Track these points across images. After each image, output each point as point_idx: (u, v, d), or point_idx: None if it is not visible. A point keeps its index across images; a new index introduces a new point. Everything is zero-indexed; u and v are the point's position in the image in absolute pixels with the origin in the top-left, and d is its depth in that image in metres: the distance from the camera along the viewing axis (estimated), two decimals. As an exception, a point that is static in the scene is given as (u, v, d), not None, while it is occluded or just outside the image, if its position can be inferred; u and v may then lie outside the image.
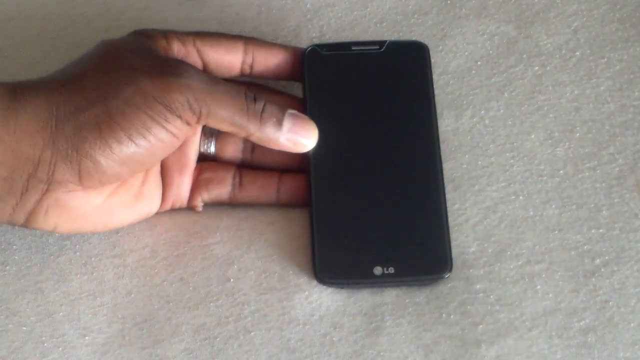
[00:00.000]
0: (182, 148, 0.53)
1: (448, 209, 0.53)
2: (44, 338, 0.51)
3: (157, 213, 0.53)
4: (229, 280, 0.52)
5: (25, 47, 0.59)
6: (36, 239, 0.53)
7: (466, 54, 0.58)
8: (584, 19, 0.58)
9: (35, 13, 0.61)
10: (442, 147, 0.54)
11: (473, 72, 0.57)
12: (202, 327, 0.51)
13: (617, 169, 0.54)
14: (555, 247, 0.52)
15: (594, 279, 0.51)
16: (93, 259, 0.53)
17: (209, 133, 0.54)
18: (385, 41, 0.55)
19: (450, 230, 0.52)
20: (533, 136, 0.55)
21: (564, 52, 0.57)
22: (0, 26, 0.60)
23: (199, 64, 0.52)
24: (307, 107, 0.53)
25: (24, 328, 0.51)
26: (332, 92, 0.54)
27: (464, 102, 0.56)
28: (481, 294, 0.51)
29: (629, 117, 0.56)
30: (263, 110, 0.50)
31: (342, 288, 0.52)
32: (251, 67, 0.54)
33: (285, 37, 0.59)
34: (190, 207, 0.54)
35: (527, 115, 0.56)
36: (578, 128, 0.55)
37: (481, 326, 0.50)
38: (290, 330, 0.51)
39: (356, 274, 0.51)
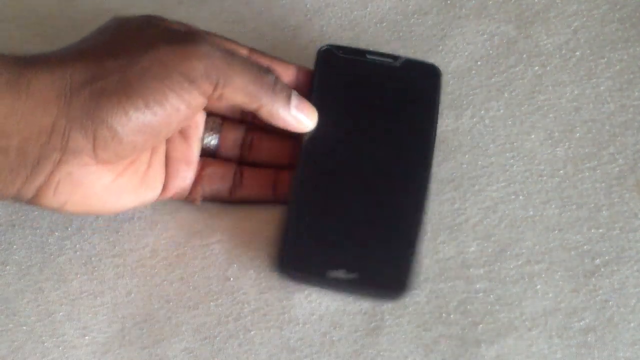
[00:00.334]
0: (187, 141, 0.53)
1: (448, 208, 0.53)
2: (44, 338, 0.51)
3: (157, 201, 0.53)
4: (229, 279, 0.52)
5: (25, 47, 0.59)
6: (36, 238, 0.53)
7: (466, 54, 0.58)
8: (584, 19, 0.58)
9: (35, 13, 0.61)
10: (442, 147, 0.54)
11: (473, 72, 0.57)
12: (202, 327, 0.51)
13: (617, 169, 0.54)
14: (555, 247, 0.52)
15: (594, 279, 0.51)
16: (93, 259, 0.53)
17: (212, 128, 0.54)
18: (401, 57, 0.55)
19: (451, 230, 0.52)
20: (533, 136, 0.55)
21: (564, 52, 0.57)
22: (1, 26, 0.60)
23: None
24: (310, 102, 0.53)
25: (24, 328, 0.51)
26: (338, 94, 0.54)
27: (464, 102, 0.56)
28: (481, 294, 0.51)
29: (629, 117, 0.56)
30: (275, 83, 0.50)
31: (302, 284, 0.51)
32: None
33: (285, 37, 0.59)
34: (189, 200, 0.54)
35: (527, 115, 0.56)
36: (578, 128, 0.55)
37: (481, 326, 0.50)
38: (290, 329, 0.51)
39: (318, 272, 0.51)
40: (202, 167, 0.54)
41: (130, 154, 0.49)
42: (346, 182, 0.52)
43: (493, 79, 0.57)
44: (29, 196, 0.48)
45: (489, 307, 0.51)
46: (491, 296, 0.51)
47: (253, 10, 0.60)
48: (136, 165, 0.51)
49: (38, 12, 0.61)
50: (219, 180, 0.54)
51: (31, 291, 0.52)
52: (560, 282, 0.51)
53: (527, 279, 0.51)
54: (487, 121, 0.56)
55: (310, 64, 0.55)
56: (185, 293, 0.52)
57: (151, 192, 0.52)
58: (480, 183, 0.54)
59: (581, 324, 0.50)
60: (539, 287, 0.51)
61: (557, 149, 0.55)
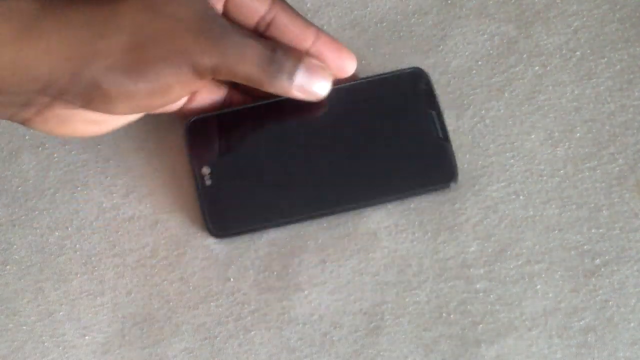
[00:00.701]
0: None
1: (448, 208, 0.53)
2: (44, 338, 0.51)
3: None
4: (229, 279, 0.52)
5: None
6: (36, 238, 0.53)
7: (466, 53, 0.58)
8: (584, 19, 0.58)
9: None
10: (442, 146, 0.54)
11: (473, 72, 0.57)
12: (202, 327, 0.51)
13: (617, 169, 0.54)
14: (555, 247, 0.52)
15: (594, 279, 0.51)
16: (93, 258, 0.53)
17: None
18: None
19: (451, 230, 0.52)
20: (533, 136, 0.55)
21: (564, 52, 0.57)
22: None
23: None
24: None
25: (24, 328, 0.51)
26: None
27: (465, 101, 0.56)
28: (481, 294, 0.51)
29: (629, 117, 0.56)
30: (276, 62, 0.50)
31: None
32: (268, 25, 0.52)
33: (285, 37, 0.59)
34: (178, 115, 0.54)
35: (527, 115, 0.56)
36: (578, 128, 0.55)
37: (481, 326, 0.50)
38: (290, 329, 0.51)
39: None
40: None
41: (119, 117, 0.50)
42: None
43: (493, 79, 0.57)
44: (17, 121, 0.49)
45: (489, 307, 0.51)
46: (491, 296, 0.51)
47: (253, 10, 0.60)
48: None
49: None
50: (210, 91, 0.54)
51: (31, 291, 0.52)
52: (560, 282, 0.51)
53: (527, 279, 0.51)
54: (487, 121, 0.56)
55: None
56: (185, 293, 0.52)
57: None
58: (480, 183, 0.54)
59: (581, 323, 0.50)
60: (539, 287, 0.51)
61: (557, 149, 0.55)
